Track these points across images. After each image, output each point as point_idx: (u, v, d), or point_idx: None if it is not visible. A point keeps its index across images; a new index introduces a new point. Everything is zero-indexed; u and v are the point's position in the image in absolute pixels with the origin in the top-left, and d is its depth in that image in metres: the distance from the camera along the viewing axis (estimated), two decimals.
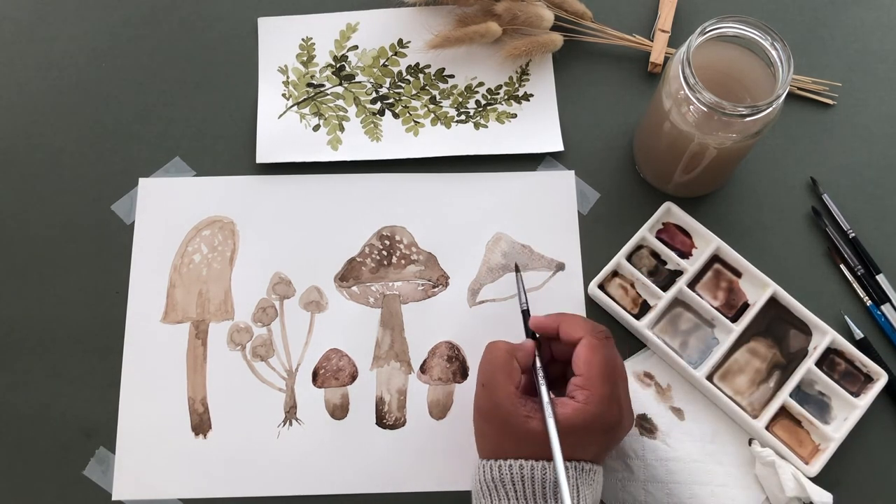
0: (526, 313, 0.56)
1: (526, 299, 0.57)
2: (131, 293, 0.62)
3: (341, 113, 0.67)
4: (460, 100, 0.67)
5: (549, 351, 0.54)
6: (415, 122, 0.66)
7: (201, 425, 0.59)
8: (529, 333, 0.54)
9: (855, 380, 0.59)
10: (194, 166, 0.66)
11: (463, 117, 0.67)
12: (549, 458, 0.47)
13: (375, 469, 0.58)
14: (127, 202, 0.65)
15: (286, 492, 0.58)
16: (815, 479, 0.56)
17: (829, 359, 0.59)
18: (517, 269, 0.59)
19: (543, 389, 0.49)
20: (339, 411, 0.60)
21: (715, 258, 0.62)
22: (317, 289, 0.62)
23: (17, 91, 0.68)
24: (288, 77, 0.68)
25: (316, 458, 0.58)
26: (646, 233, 0.62)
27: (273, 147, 0.65)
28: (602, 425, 0.48)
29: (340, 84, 0.68)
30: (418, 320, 0.61)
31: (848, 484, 0.57)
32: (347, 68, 0.68)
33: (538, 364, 0.51)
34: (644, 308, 0.61)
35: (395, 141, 0.66)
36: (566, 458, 0.47)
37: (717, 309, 0.60)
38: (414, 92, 0.67)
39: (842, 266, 0.62)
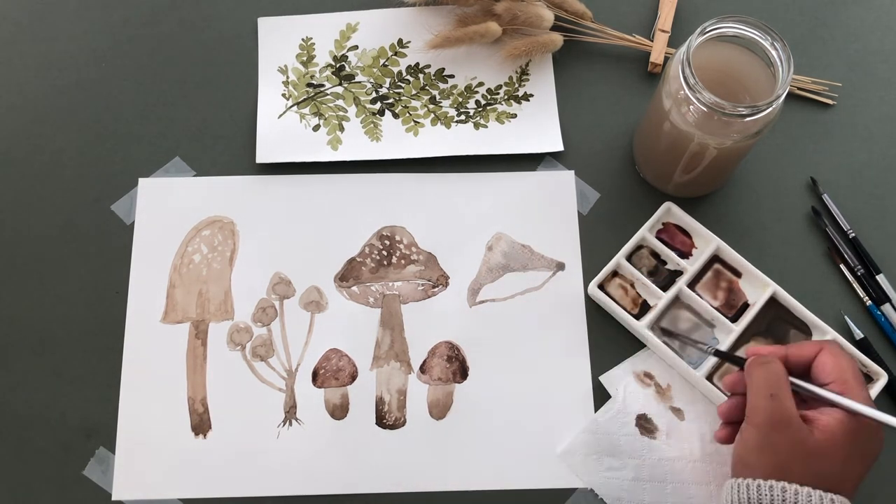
0: (717, 352, 0.55)
1: (704, 343, 0.56)
2: (131, 293, 0.62)
3: (341, 113, 0.67)
4: (460, 100, 0.67)
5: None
6: (415, 122, 0.66)
7: (201, 425, 0.59)
8: (739, 362, 0.52)
9: None
10: (194, 166, 0.66)
11: (463, 117, 0.67)
12: (833, 489, 0.45)
13: (375, 469, 0.58)
14: (127, 202, 0.65)
15: (286, 492, 0.58)
16: None
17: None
18: (675, 335, 0.59)
19: (826, 393, 0.48)
20: (339, 411, 0.60)
21: (715, 258, 0.62)
22: (317, 289, 0.62)
23: (17, 91, 0.68)
24: (288, 77, 0.68)
25: (316, 458, 0.58)
26: (646, 233, 0.62)
27: (273, 147, 0.65)
28: (867, 435, 0.47)
29: (340, 84, 0.68)
30: (418, 320, 0.61)
31: None
32: (347, 68, 0.68)
33: (801, 382, 0.49)
34: (644, 308, 0.61)
35: (395, 141, 0.66)
36: (826, 489, 0.45)
37: (717, 309, 0.60)
38: (414, 92, 0.67)
39: (842, 266, 0.62)
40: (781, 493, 0.44)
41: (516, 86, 0.68)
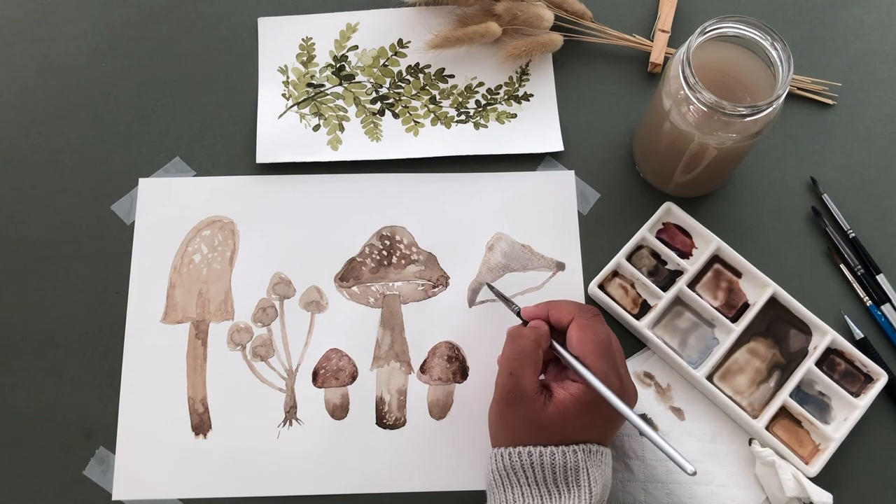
0: (518, 313, 0.57)
1: (514, 303, 0.57)
2: (131, 293, 0.62)
3: (341, 113, 0.67)
4: (460, 100, 0.67)
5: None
6: (415, 122, 0.66)
7: (201, 425, 0.59)
8: (524, 322, 0.55)
9: (855, 380, 0.59)
10: (194, 166, 0.66)
11: (463, 117, 0.67)
12: (559, 443, 0.49)
13: (375, 469, 0.58)
14: (127, 202, 0.65)
15: (286, 492, 0.58)
16: (815, 479, 0.56)
17: (829, 359, 0.59)
18: (491, 288, 0.60)
19: (574, 361, 0.51)
20: (339, 411, 0.60)
21: (715, 258, 0.62)
22: (317, 289, 0.62)
23: (17, 91, 0.68)
24: (288, 77, 0.68)
25: (316, 458, 0.58)
26: (646, 233, 0.62)
27: (273, 147, 0.65)
28: (605, 408, 0.50)
29: (340, 84, 0.68)
30: (418, 320, 0.61)
31: (848, 484, 0.57)
32: (347, 68, 0.68)
33: (556, 345, 0.52)
34: (644, 308, 0.61)
35: (395, 141, 0.66)
36: (572, 443, 0.49)
37: (717, 309, 0.60)
38: (414, 92, 0.67)
39: (842, 266, 0.62)
40: (528, 456, 0.49)
41: (516, 86, 0.68)
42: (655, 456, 0.57)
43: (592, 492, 0.48)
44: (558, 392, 0.50)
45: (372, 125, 0.66)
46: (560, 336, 0.53)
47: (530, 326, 0.53)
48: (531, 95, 0.67)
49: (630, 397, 0.52)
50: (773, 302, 0.60)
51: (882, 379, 0.58)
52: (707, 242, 0.62)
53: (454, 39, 0.66)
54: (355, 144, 0.66)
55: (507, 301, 0.58)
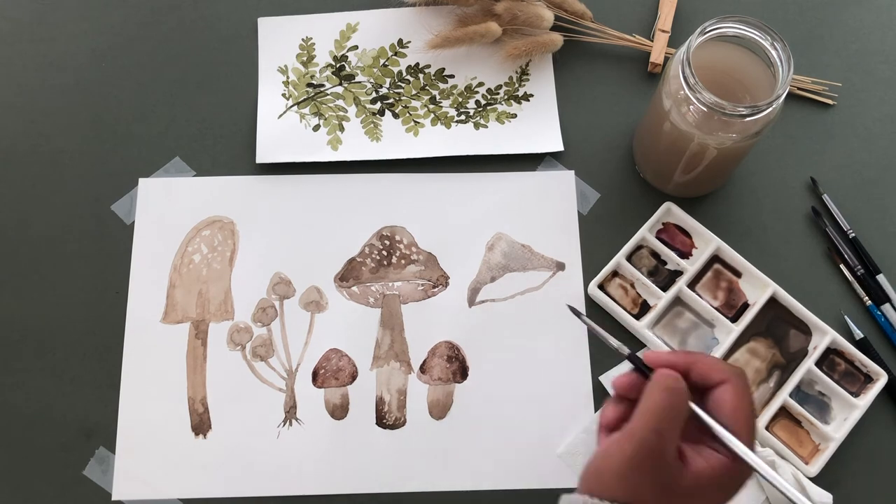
0: (633, 356, 0.46)
1: (619, 344, 0.47)
2: (131, 293, 0.62)
3: (341, 113, 0.67)
4: (460, 100, 0.67)
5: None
6: (415, 122, 0.66)
7: (201, 425, 0.59)
8: (644, 370, 0.45)
9: (855, 380, 0.59)
10: (194, 166, 0.66)
11: (463, 117, 0.67)
12: None
13: (375, 469, 0.58)
14: (127, 202, 0.65)
15: (286, 492, 0.58)
16: (815, 479, 0.56)
17: (829, 359, 0.59)
18: (578, 314, 0.50)
19: (724, 432, 0.42)
20: (339, 411, 0.60)
21: (715, 258, 0.62)
22: (317, 289, 0.62)
23: (17, 91, 0.68)
24: (288, 77, 0.68)
25: (316, 458, 0.58)
26: (646, 233, 0.62)
27: (273, 147, 0.65)
28: (735, 487, 0.43)
29: (340, 84, 0.68)
30: (418, 320, 0.61)
31: (848, 484, 0.57)
32: (347, 68, 0.68)
33: (698, 409, 0.43)
34: (644, 308, 0.61)
35: (395, 141, 0.66)
36: None
37: (717, 309, 0.60)
38: (414, 92, 0.67)
39: (842, 266, 0.62)
40: None
41: (516, 86, 0.68)
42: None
43: None
44: (696, 461, 0.42)
45: (372, 125, 0.66)
46: (697, 396, 0.44)
47: (679, 380, 0.43)
48: (531, 95, 0.67)
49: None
50: (772, 302, 0.60)
51: (882, 379, 0.58)
52: (707, 242, 0.62)
53: (454, 39, 0.66)
54: (355, 144, 0.66)
55: (606, 340, 0.48)
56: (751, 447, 0.42)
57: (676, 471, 0.41)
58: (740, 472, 0.42)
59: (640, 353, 0.46)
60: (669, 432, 0.41)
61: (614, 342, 0.47)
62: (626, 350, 0.46)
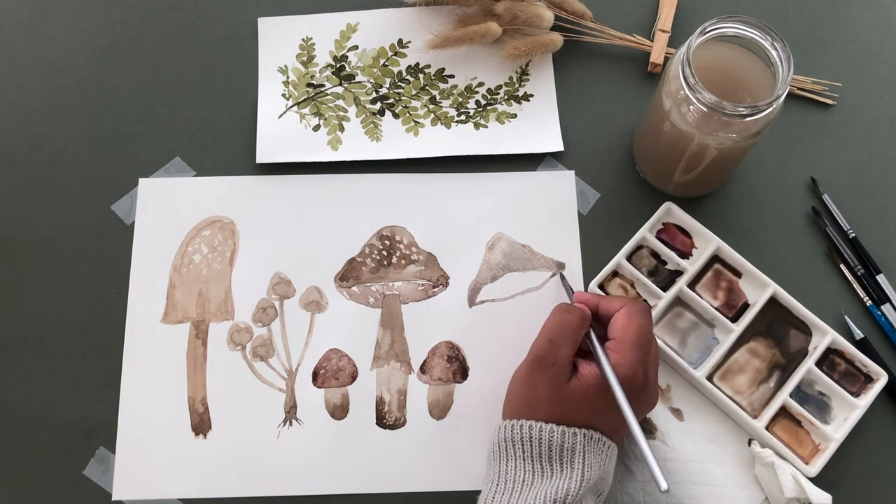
0: (563, 277, 0.61)
1: (572, 289, 0.60)
2: (131, 293, 0.62)
3: (341, 113, 0.67)
4: (460, 100, 0.67)
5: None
6: (415, 122, 0.66)
7: (201, 425, 0.59)
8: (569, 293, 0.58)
9: (855, 380, 0.59)
10: (194, 166, 0.66)
11: (463, 117, 0.67)
12: (568, 424, 0.50)
13: (375, 469, 0.58)
14: (127, 202, 0.65)
15: (286, 492, 0.58)
16: (815, 479, 0.56)
17: (829, 359, 0.59)
18: (563, 277, 0.62)
19: (600, 350, 0.52)
20: (339, 411, 0.60)
21: (715, 258, 0.62)
22: (317, 289, 0.62)
23: (17, 91, 0.68)
24: (288, 77, 0.68)
25: (316, 458, 0.58)
26: (646, 233, 0.62)
27: (273, 147, 0.65)
28: (628, 388, 0.50)
29: (340, 84, 0.68)
30: (418, 320, 0.61)
31: (848, 484, 0.57)
32: (347, 68, 0.68)
33: (591, 332, 0.54)
34: None
35: (395, 141, 0.66)
36: (582, 426, 0.50)
37: (717, 309, 0.60)
38: (414, 92, 0.67)
39: (842, 266, 0.62)
40: (528, 430, 0.50)
41: (516, 86, 0.68)
42: (655, 456, 0.57)
43: (585, 476, 0.48)
44: (584, 368, 0.51)
45: (372, 125, 0.66)
46: (602, 329, 0.54)
47: (578, 306, 0.55)
48: (531, 95, 0.67)
49: (648, 400, 0.53)
50: (773, 302, 0.60)
51: (882, 379, 0.58)
52: (707, 242, 0.62)
53: (454, 39, 0.66)
54: (355, 144, 0.66)
55: (568, 288, 0.61)
56: (630, 360, 0.50)
57: (566, 374, 0.51)
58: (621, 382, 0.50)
59: (576, 291, 0.60)
60: (561, 341, 0.52)
61: (570, 292, 0.60)
62: (571, 293, 0.59)
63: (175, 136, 0.66)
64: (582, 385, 0.50)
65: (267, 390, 0.60)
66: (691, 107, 0.53)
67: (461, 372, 0.60)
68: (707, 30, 0.53)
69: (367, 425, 0.59)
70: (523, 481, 0.49)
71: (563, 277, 0.62)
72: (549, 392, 0.50)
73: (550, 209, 0.64)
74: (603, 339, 0.53)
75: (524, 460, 0.50)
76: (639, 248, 0.62)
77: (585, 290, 0.62)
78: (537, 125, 0.66)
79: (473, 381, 0.60)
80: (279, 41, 0.69)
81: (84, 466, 0.58)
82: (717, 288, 0.61)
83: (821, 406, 0.58)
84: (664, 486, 0.46)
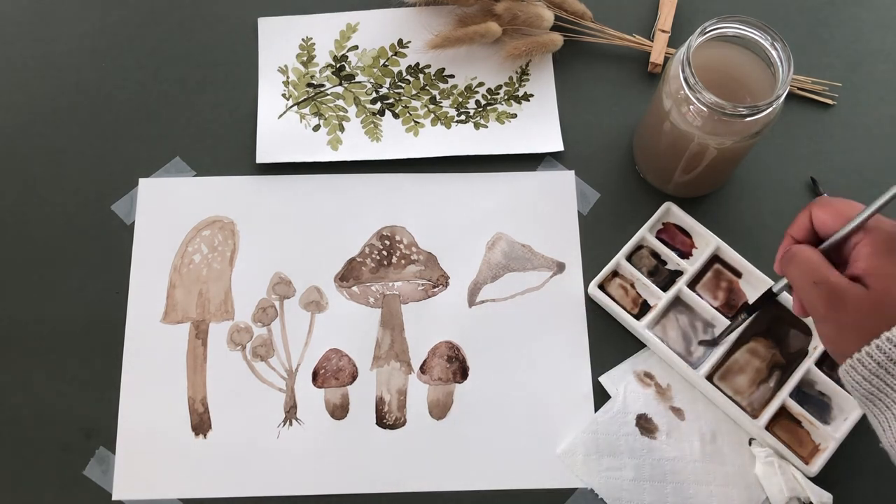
0: (770, 293, 0.55)
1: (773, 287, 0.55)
2: (131, 293, 0.62)
3: (341, 113, 0.67)
4: (460, 100, 0.67)
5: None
6: (415, 122, 0.66)
7: (201, 425, 0.59)
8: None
9: None
10: (194, 166, 0.66)
11: (463, 117, 0.67)
12: None
13: (375, 469, 0.58)
14: (127, 202, 0.65)
15: (286, 492, 0.58)
16: (815, 479, 0.56)
17: (829, 359, 0.59)
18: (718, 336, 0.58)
19: (840, 232, 0.47)
20: (339, 411, 0.60)
21: (715, 258, 0.62)
22: (317, 289, 0.62)
23: (17, 91, 0.68)
24: (288, 77, 0.68)
25: (316, 458, 0.58)
26: (646, 233, 0.62)
27: (273, 147, 0.65)
28: None
29: (340, 84, 0.68)
30: (418, 320, 0.61)
31: (848, 484, 0.57)
32: (347, 68, 0.68)
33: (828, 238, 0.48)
34: (644, 308, 0.61)
35: (395, 141, 0.66)
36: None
37: (717, 309, 0.60)
38: (414, 92, 0.67)
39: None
40: (888, 343, 0.43)
41: (516, 86, 0.68)
42: (655, 456, 0.57)
43: None
44: (858, 265, 0.45)
45: (372, 125, 0.66)
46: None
47: (790, 251, 0.49)
48: (531, 95, 0.67)
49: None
50: (773, 301, 0.60)
51: None
52: (707, 242, 0.62)
53: (454, 39, 0.66)
54: (355, 144, 0.66)
55: (730, 330, 0.57)
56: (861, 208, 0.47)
57: (861, 289, 0.44)
58: (887, 235, 0.46)
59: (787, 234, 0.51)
60: (820, 275, 0.46)
61: (776, 286, 0.54)
62: (778, 287, 0.54)
63: (175, 136, 0.66)
64: (877, 274, 0.44)
65: (267, 390, 0.60)
66: (691, 107, 0.53)
67: (461, 372, 0.60)
68: (707, 30, 0.53)
69: (367, 425, 0.59)
70: None
71: (753, 307, 0.56)
72: (869, 312, 0.44)
73: (550, 209, 0.64)
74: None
75: None
76: (639, 248, 0.62)
77: (585, 290, 0.62)
78: (537, 125, 0.66)
79: (473, 381, 0.60)
80: (279, 41, 0.69)
81: (84, 466, 0.58)
82: (717, 288, 0.61)
83: (821, 406, 0.58)
84: None
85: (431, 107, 0.67)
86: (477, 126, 0.66)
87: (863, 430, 0.58)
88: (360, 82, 0.68)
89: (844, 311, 0.45)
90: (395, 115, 0.67)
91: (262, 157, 0.65)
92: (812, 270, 0.47)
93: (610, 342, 0.61)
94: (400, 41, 0.69)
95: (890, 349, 0.43)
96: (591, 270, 0.62)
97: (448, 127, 0.66)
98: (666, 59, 0.67)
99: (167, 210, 0.64)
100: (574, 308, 0.61)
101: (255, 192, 0.65)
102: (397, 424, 0.59)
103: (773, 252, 0.63)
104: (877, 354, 0.43)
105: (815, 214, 0.48)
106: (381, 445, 0.59)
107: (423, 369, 0.61)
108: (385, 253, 0.63)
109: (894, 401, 0.44)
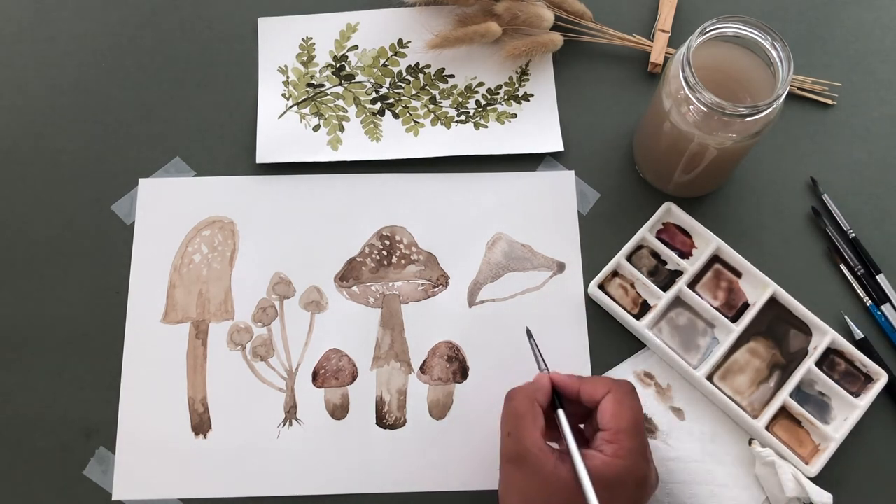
0: (536, 352, 0.55)
1: (545, 364, 0.54)
2: (131, 293, 0.62)
3: (341, 113, 0.67)
4: (460, 100, 0.67)
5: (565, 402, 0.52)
6: (415, 122, 0.66)
7: (201, 425, 0.59)
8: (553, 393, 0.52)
9: (855, 380, 0.59)
10: (194, 166, 0.66)
11: (463, 117, 0.67)
12: None
13: (375, 469, 0.58)
14: (127, 202, 0.65)
15: (286, 492, 0.58)
16: (815, 479, 0.56)
17: (829, 359, 0.59)
18: (529, 335, 0.57)
19: (569, 436, 0.48)
20: (339, 411, 0.60)
21: (715, 258, 0.62)
22: (317, 289, 0.62)
23: (17, 91, 0.68)
24: (288, 77, 0.68)
25: (316, 458, 0.58)
26: (646, 233, 0.62)
27: (273, 147, 0.65)
28: (632, 480, 0.47)
29: (340, 84, 0.68)
30: (418, 320, 0.61)
31: (848, 484, 0.57)
32: (347, 68, 0.68)
33: (562, 417, 0.50)
34: (644, 308, 0.61)
35: (395, 141, 0.66)
36: None
37: (717, 309, 0.60)
38: (414, 92, 0.67)
39: (842, 266, 0.62)
40: None
41: (516, 86, 0.68)
42: (655, 456, 0.57)
43: None
44: (566, 459, 0.47)
45: (372, 125, 0.66)
46: (581, 409, 0.51)
47: (527, 383, 0.51)
48: (531, 95, 0.67)
49: (652, 484, 0.49)
50: (773, 302, 0.60)
51: (882, 379, 0.58)
52: (707, 242, 0.62)
53: (454, 39, 0.66)
54: (355, 144, 0.66)
55: (539, 358, 0.55)
56: (631, 448, 0.47)
57: (548, 462, 0.47)
58: (618, 472, 0.47)
59: (551, 372, 0.52)
60: (517, 430, 0.48)
61: (542, 364, 0.54)
62: (546, 370, 0.53)
63: (175, 136, 0.66)
64: (575, 476, 0.46)
65: (267, 390, 0.60)
66: (691, 107, 0.53)
67: (461, 372, 0.60)
68: (707, 30, 0.53)
69: (367, 425, 0.59)
70: None
71: (529, 336, 0.57)
72: (538, 486, 0.46)
73: (550, 209, 0.64)
74: (583, 420, 0.52)
75: None
76: (639, 248, 0.62)
77: (585, 290, 0.62)
78: (537, 125, 0.66)
79: (473, 381, 0.60)
80: (279, 41, 0.69)
81: (84, 466, 0.58)
82: (717, 288, 0.61)
83: (821, 406, 0.58)
84: None
85: (431, 107, 0.67)
86: (477, 126, 0.66)
87: (863, 430, 0.58)
88: (360, 82, 0.68)
89: (518, 472, 0.47)
90: (395, 115, 0.67)
91: (262, 157, 0.65)
92: (513, 421, 0.49)
93: (610, 342, 0.61)
94: (400, 41, 0.69)
95: None
96: (591, 270, 0.62)
97: (448, 127, 0.66)
98: (666, 59, 0.67)
99: (167, 210, 0.64)
100: (574, 308, 0.61)
101: (255, 192, 0.65)
102: (397, 424, 0.59)
103: (773, 252, 0.63)
104: None
105: (606, 401, 0.49)
106: (381, 445, 0.59)
107: (423, 369, 0.61)
108: (385, 253, 0.63)
109: None
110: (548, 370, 0.53)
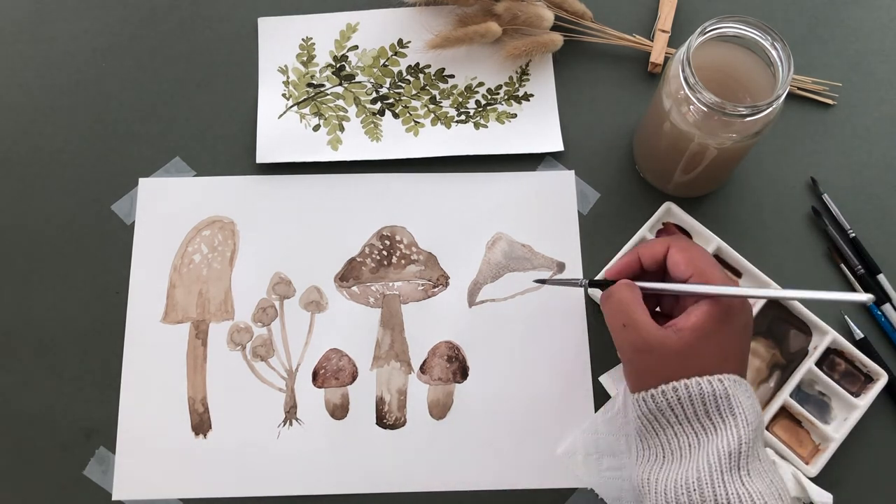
0: (588, 284, 0.54)
1: (578, 279, 0.56)
2: (131, 293, 0.62)
3: (341, 113, 0.67)
4: (460, 100, 0.67)
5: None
6: (415, 122, 0.66)
7: (201, 425, 0.59)
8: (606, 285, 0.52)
9: (855, 380, 0.59)
10: (194, 166, 0.66)
11: (463, 117, 0.67)
12: (703, 374, 0.46)
13: (375, 469, 0.58)
14: (127, 202, 0.65)
15: (286, 492, 0.58)
16: (815, 479, 0.56)
17: (830, 359, 0.59)
18: (542, 281, 0.58)
19: (680, 284, 0.49)
20: (339, 411, 0.60)
21: (715, 258, 0.62)
22: (317, 289, 0.62)
23: (17, 91, 0.68)
24: (288, 77, 0.68)
25: (316, 458, 0.58)
26: (646, 233, 0.62)
27: (273, 147, 0.65)
28: (737, 313, 0.47)
29: (340, 84, 0.68)
30: (418, 320, 0.61)
31: (848, 484, 0.57)
32: (347, 68, 0.68)
33: (652, 285, 0.50)
34: None
35: (395, 141, 0.66)
36: (709, 374, 0.46)
37: None
38: (414, 92, 0.67)
39: (842, 266, 0.62)
40: (673, 393, 0.46)
41: (516, 86, 0.68)
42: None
43: (749, 420, 0.45)
44: (682, 322, 0.47)
45: (372, 125, 0.66)
46: (659, 276, 0.51)
47: (607, 290, 0.51)
48: (531, 95, 0.67)
49: (749, 308, 0.50)
50: (773, 302, 0.60)
51: (882, 379, 0.58)
52: (707, 242, 0.62)
53: (454, 39, 0.66)
54: (355, 144, 0.66)
55: (568, 282, 0.56)
56: (720, 279, 0.48)
57: (670, 337, 0.47)
58: (726, 305, 0.47)
59: (606, 272, 0.54)
60: (630, 318, 0.48)
61: (576, 280, 0.55)
62: (584, 282, 0.54)
63: (175, 136, 0.66)
64: (696, 333, 0.47)
65: (267, 390, 0.60)
66: (691, 107, 0.53)
67: (461, 372, 0.60)
68: (707, 30, 0.53)
69: (367, 425, 0.59)
70: (689, 445, 0.46)
71: (542, 281, 0.58)
72: (672, 360, 0.47)
73: (550, 209, 0.64)
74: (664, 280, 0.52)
75: (681, 423, 0.46)
76: None
77: (585, 290, 0.62)
78: (537, 125, 0.66)
79: (473, 381, 0.60)
80: (279, 41, 0.69)
81: (84, 466, 0.58)
82: None
83: (821, 406, 0.58)
84: (865, 297, 0.45)
85: (431, 107, 0.67)
86: (477, 126, 0.66)
87: (863, 430, 0.58)
88: (360, 82, 0.68)
89: (649, 356, 0.47)
90: (395, 115, 0.67)
91: (262, 157, 0.65)
92: (623, 312, 0.49)
93: (610, 342, 0.60)
94: (400, 41, 0.69)
95: (666, 398, 0.46)
96: (591, 270, 0.62)
97: (448, 127, 0.66)
98: (666, 59, 0.67)
99: (167, 210, 0.64)
100: (574, 308, 0.61)
101: (255, 192, 0.65)
102: (397, 424, 0.59)
103: (773, 252, 0.63)
104: (659, 398, 0.47)
105: (672, 254, 0.50)
106: (381, 445, 0.59)
107: (423, 369, 0.61)
108: (385, 253, 0.63)
109: (654, 444, 0.48)
110: (586, 280, 0.54)
